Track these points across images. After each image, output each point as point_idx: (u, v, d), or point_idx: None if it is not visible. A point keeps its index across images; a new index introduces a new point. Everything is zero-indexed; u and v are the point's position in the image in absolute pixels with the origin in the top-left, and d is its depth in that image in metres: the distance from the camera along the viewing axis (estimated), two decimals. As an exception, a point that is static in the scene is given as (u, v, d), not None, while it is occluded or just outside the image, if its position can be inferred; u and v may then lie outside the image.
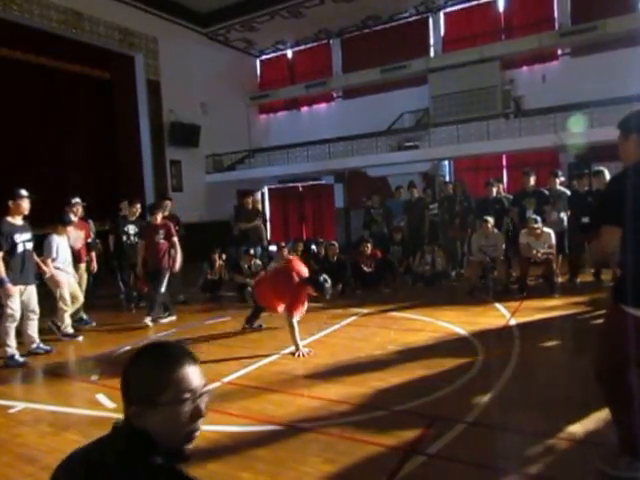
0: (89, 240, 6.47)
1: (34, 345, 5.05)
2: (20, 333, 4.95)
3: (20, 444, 3.00)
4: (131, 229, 7.19)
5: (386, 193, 10.98)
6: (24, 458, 2.81)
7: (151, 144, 13.76)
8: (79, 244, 6.30)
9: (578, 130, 10.22)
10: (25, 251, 4.84)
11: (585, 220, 6.76)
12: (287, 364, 4.32)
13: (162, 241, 6.31)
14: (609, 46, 12.25)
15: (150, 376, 1.07)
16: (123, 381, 1.09)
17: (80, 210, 6.41)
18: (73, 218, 6.08)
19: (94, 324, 6.36)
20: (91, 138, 13.43)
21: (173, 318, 6.45)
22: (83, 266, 6.36)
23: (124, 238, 7.18)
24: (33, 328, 5.04)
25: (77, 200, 6.37)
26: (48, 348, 5.13)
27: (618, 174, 2.23)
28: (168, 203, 7.62)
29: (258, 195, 15.77)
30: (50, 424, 3.29)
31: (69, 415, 3.43)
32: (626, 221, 2.11)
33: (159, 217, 6.44)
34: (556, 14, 13.31)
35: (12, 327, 4.76)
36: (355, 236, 12.45)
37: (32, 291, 4.98)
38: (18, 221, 4.85)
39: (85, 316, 6.42)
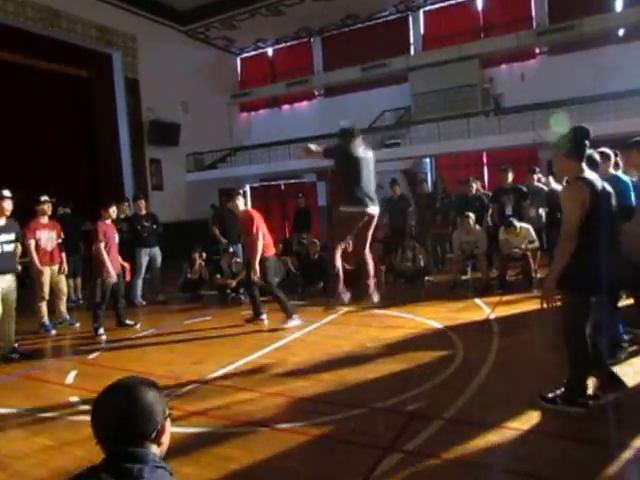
0: (60, 240, 6.22)
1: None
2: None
3: (-11, 450, 2.91)
4: (125, 227, 7.33)
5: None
6: (-7, 465, 2.72)
7: (130, 143, 13.59)
8: (50, 245, 5.99)
9: (560, 129, 10.34)
10: (3, 253, 4.68)
11: (559, 216, 6.87)
12: (265, 364, 4.28)
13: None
14: (586, 45, 12.47)
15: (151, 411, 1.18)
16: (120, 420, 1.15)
17: (50, 208, 6.05)
18: (43, 219, 5.92)
19: (77, 325, 6.18)
20: (69, 137, 13.18)
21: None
22: (56, 268, 6.06)
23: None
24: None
25: (45, 198, 5.98)
26: (26, 353, 4.94)
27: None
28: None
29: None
30: (21, 429, 3.20)
31: (42, 419, 3.33)
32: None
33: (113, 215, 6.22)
34: (534, 13, 13.52)
35: None
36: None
37: (9, 293, 4.79)
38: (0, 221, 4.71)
39: (68, 316, 6.28)
